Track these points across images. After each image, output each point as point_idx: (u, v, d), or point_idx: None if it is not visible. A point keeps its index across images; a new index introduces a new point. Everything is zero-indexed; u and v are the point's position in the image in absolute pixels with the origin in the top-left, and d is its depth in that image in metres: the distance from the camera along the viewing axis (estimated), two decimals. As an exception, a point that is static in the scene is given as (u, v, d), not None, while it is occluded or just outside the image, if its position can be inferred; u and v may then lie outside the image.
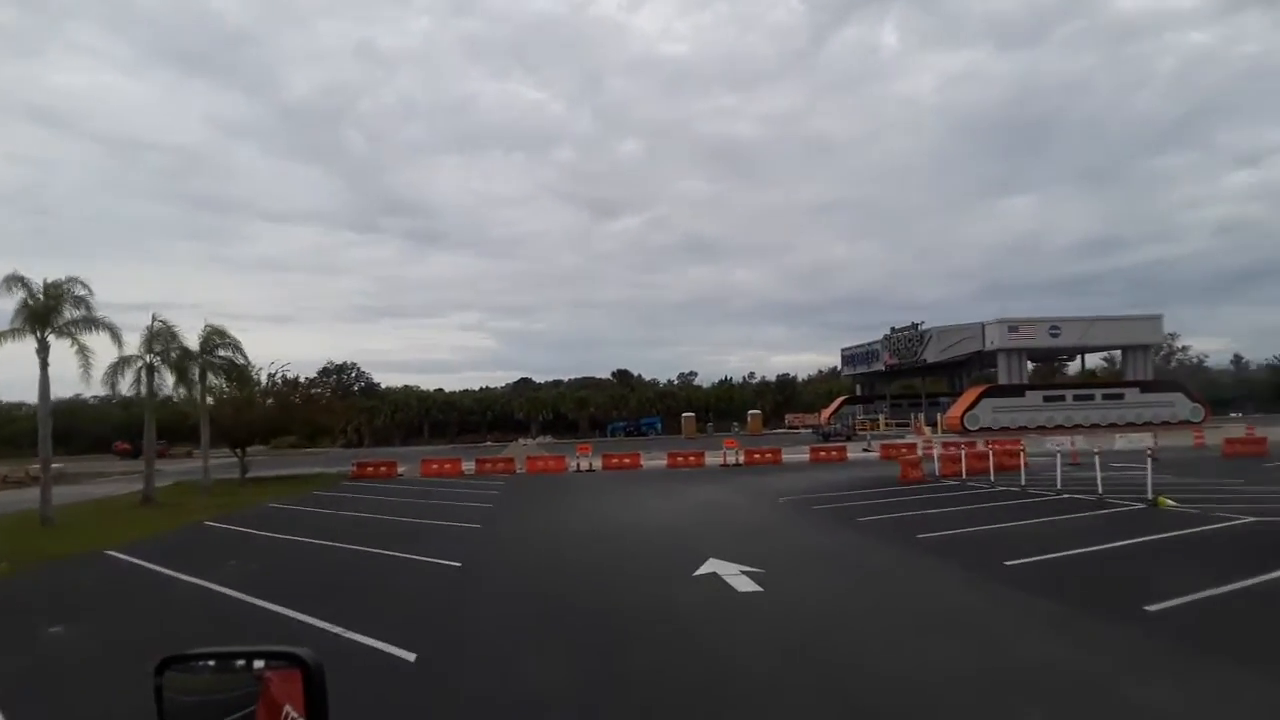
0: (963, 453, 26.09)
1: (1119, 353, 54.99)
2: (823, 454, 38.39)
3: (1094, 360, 66.57)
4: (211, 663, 1.67)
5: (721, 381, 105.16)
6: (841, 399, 74.82)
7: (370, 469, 36.93)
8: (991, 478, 24.16)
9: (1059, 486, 20.75)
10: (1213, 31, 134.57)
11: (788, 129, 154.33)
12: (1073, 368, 72.26)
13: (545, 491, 27.89)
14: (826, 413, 74.13)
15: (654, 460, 40.51)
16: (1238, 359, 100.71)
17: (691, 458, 37.78)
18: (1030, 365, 57.28)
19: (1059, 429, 50.88)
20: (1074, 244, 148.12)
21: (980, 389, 52.95)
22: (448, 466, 37.28)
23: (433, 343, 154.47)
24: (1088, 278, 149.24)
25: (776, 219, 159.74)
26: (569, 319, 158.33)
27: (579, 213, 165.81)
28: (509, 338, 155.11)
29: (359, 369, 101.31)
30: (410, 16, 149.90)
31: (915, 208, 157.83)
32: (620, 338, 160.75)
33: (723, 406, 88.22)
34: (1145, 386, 52.50)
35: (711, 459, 38.03)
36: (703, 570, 11.70)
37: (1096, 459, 19.89)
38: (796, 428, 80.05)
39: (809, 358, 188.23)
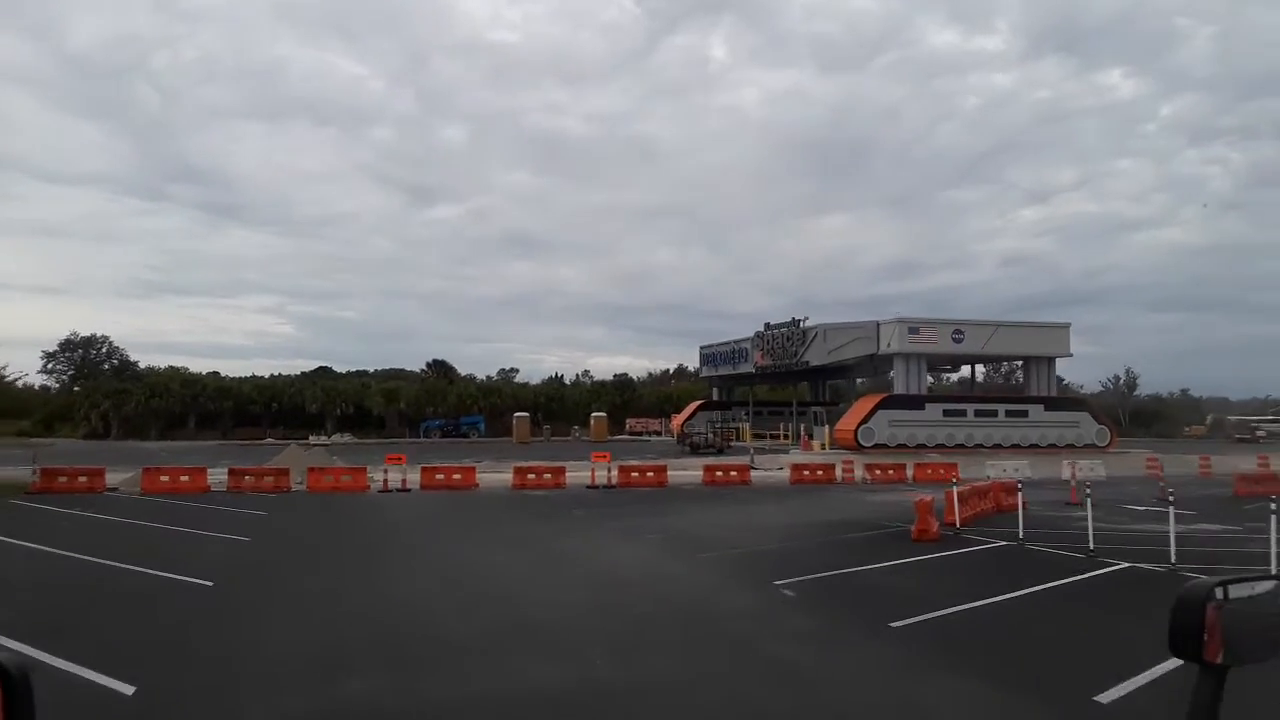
0: (955, 491, 17.12)
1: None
2: (719, 474, 29.09)
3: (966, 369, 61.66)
4: None
5: (551, 379, 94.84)
6: (697, 404, 66.27)
7: (63, 480, 24.10)
8: (1021, 533, 15.40)
9: (1092, 546, 13.74)
10: (1013, 74, 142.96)
11: (616, 129, 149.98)
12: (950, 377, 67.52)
13: (328, 536, 16.99)
14: (680, 419, 65.39)
15: (493, 474, 30.08)
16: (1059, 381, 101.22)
17: (547, 474, 27.54)
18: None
19: (959, 447, 44.31)
20: (879, 265, 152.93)
21: (876, 398, 45.76)
22: (186, 479, 24.96)
23: (224, 325, 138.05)
24: (890, 298, 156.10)
25: (601, 219, 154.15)
26: (379, 308, 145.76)
27: (395, 197, 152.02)
28: (312, 324, 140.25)
29: (110, 344, 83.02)
30: None
31: (735, 218, 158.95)
32: (434, 331, 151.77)
33: (553, 407, 77.88)
34: (1049, 404, 47.08)
35: (573, 476, 27.93)
36: None
37: (1171, 509, 13.03)
38: (640, 434, 71.18)
39: (625, 360, 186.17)
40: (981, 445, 44.83)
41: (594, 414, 67.21)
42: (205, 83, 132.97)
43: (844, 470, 30.09)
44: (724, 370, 62.21)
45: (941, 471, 30.71)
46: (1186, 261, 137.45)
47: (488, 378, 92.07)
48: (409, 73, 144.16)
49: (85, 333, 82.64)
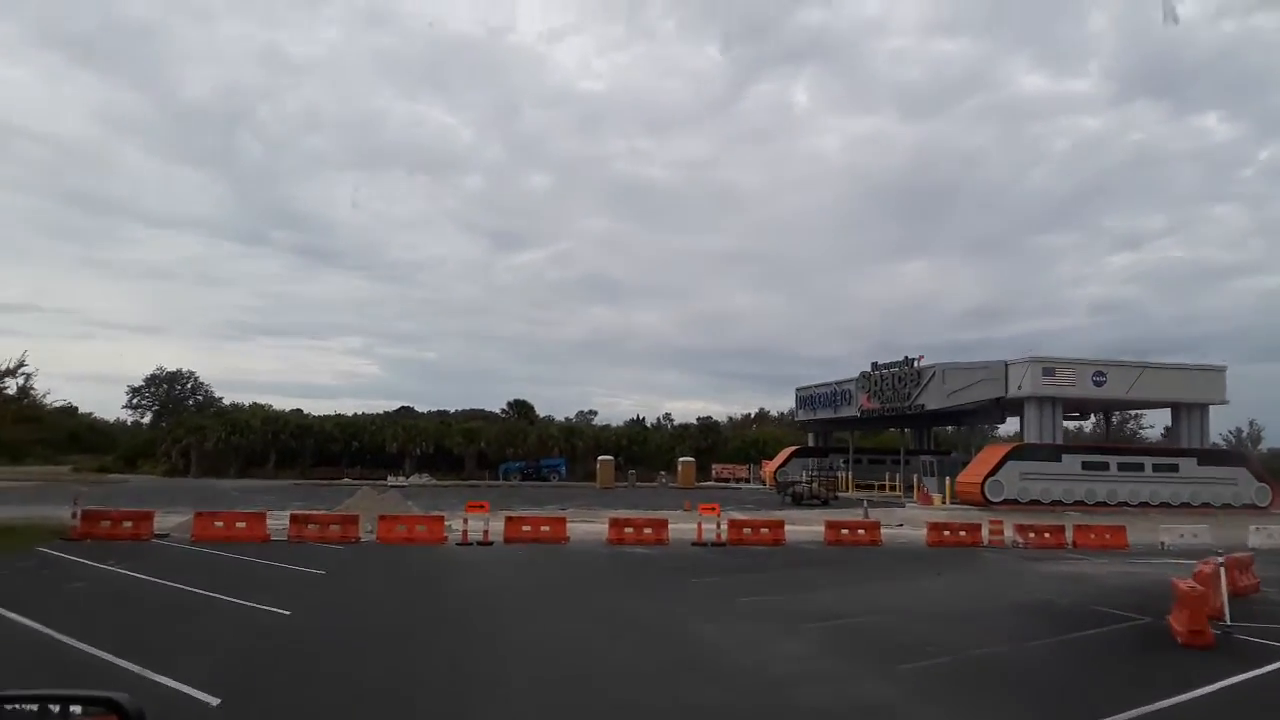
0: (1219, 565, 12.71)
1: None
2: (844, 532, 24.95)
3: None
4: (25, 706, 1.64)
5: (633, 421, 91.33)
6: (791, 449, 61.79)
7: (106, 524, 21.47)
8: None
9: None
10: (1105, 118, 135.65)
11: (697, 175, 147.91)
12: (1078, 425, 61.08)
13: (389, 611, 13.42)
14: (772, 465, 61.08)
15: (583, 524, 26.63)
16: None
17: (647, 529, 23.84)
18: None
19: (1100, 505, 39.08)
20: (961, 311, 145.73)
21: (1004, 448, 40.89)
22: (242, 526, 22.08)
23: (314, 366, 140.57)
24: (972, 345, 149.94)
25: (680, 263, 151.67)
26: (461, 350, 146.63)
27: (480, 242, 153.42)
28: (396, 365, 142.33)
29: (195, 379, 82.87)
30: (320, 25, 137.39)
31: (814, 263, 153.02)
32: (514, 373, 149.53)
33: (635, 450, 74.11)
34: (1203, 457, 41.35)
35: (676, 529, 24.21)
36: None
37: None
38: (727, 480, 66.92)
39: (700, 404, 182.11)
40: (1126, 503, 39.50)
41: (681, 459, 63.17)
42: (306, 131, 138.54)
43: (991, 532, 25.63)
44: (823, 414, 57.49)
45: (1108, 536, 26.20)
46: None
47: (566, 419, 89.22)
48: (499, 122, 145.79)
49: (183, 371, 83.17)
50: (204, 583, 14.18)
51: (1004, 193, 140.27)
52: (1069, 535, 25.68)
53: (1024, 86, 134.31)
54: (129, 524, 21.59)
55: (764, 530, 24.40)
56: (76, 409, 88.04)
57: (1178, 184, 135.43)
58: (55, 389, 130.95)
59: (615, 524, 23.84)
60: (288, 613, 12.04)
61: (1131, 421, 71.85)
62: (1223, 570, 12.47)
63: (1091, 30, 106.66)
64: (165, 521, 23.30)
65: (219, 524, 22.07)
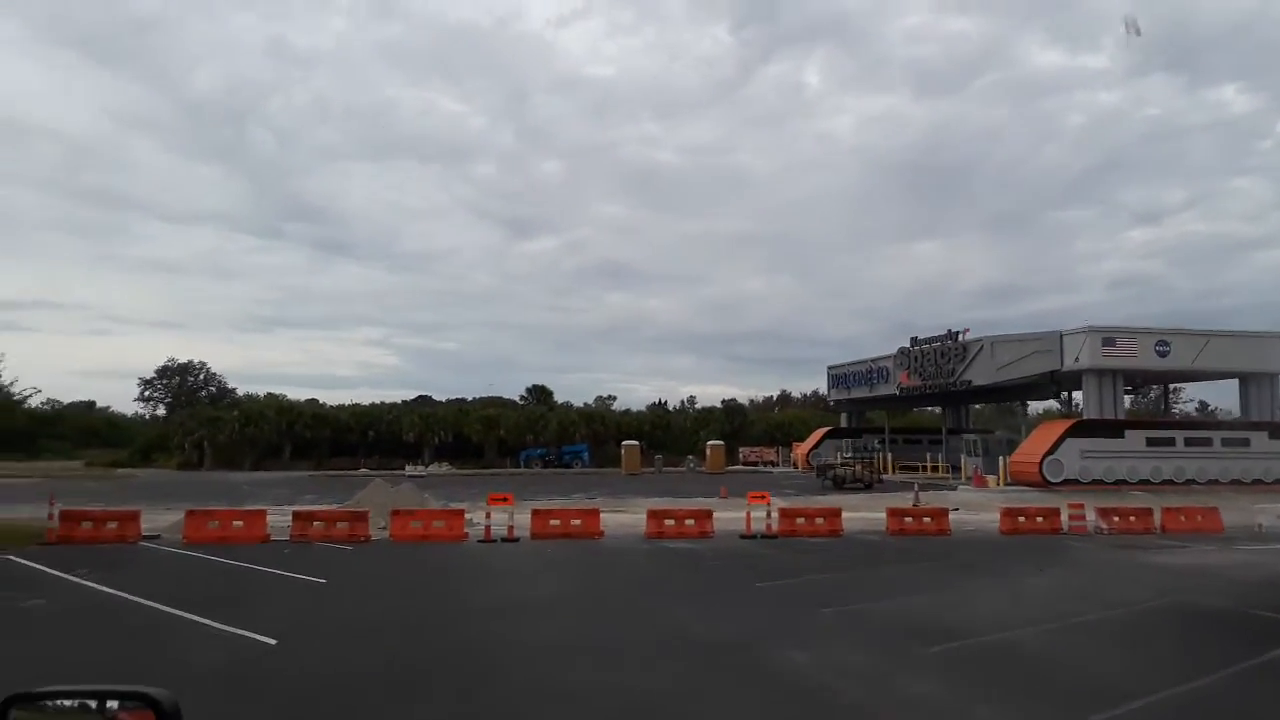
0: None
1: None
2: (908, 520, 22.42)
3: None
4: (62, 701, 1.66)
5: (655, 405, 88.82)
6: (823, 430, 59.11)
7: (88, 525, 19.23)
8: None
9: None
10: (1120, 93, 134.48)
11: (708, 159, 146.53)
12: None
13: (397, 634, 11.00)
14: (804, 448, 58.45)
15: (615, 515, 24.41)
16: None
17: (689, 520, 21.39)
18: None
19: (1167, 483, 36.23)
20: (977, 289, 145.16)
21: (1063, 424, 37.79)
22: (239, 525, 19.79)
23: (333, 357, 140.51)
24: (989, 323, 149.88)
25: (692, 248, 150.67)
26: (479, 338, 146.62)
27: (495, 231, 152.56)
28: (415, 355, 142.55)
29: (207, 370, 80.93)
30: (327, 16, 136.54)
31: (828, 245, 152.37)
32: (530, 361, 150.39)
33: (659, 435, 71.58)
34: (1275, 431, 38.32)
35: (721, 519, 21.83)
36: None
37: None
38: (755, 464, 64.42)
39: (717, 389, 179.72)
40: (1194, 481, 36.57)
41: (710, 443, 60.50)
42: (317, 124, 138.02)
43: (1071, 516, 23.01)
44: (859, 393, 54.56)
45: (1200, 519, 23.55)
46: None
47: (585, 405, 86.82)
48: (509, 109, 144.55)
49: (195, 362, 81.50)
50: (181, 598, 11.82)
51: (1019, 170, 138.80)
52: (1157, 519, 23.03)
53: (1039, 63, 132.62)
54: (113, 525, 19.30)
55: (819, 520, 21.87)
56: (94, 403, 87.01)
57: (1196, 157, 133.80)
58: (72, 386, 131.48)
59: (654, 515, 21.38)
60: (273, 641, 9.64)
61: (1173, 395, 68.51)
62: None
63: (1106, 4, 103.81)
64: (158, 520, 21.04)
65: (213, 524, 19.76)
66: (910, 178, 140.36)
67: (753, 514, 21.66)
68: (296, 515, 20.66)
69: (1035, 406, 65.66)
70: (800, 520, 21.75)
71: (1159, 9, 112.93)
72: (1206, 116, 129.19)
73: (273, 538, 19.44)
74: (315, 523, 20.16)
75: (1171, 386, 51.68)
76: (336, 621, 11.19)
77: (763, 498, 22.18)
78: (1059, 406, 63.43)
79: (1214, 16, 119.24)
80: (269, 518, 20.91)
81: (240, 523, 19.92)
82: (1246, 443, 37.84)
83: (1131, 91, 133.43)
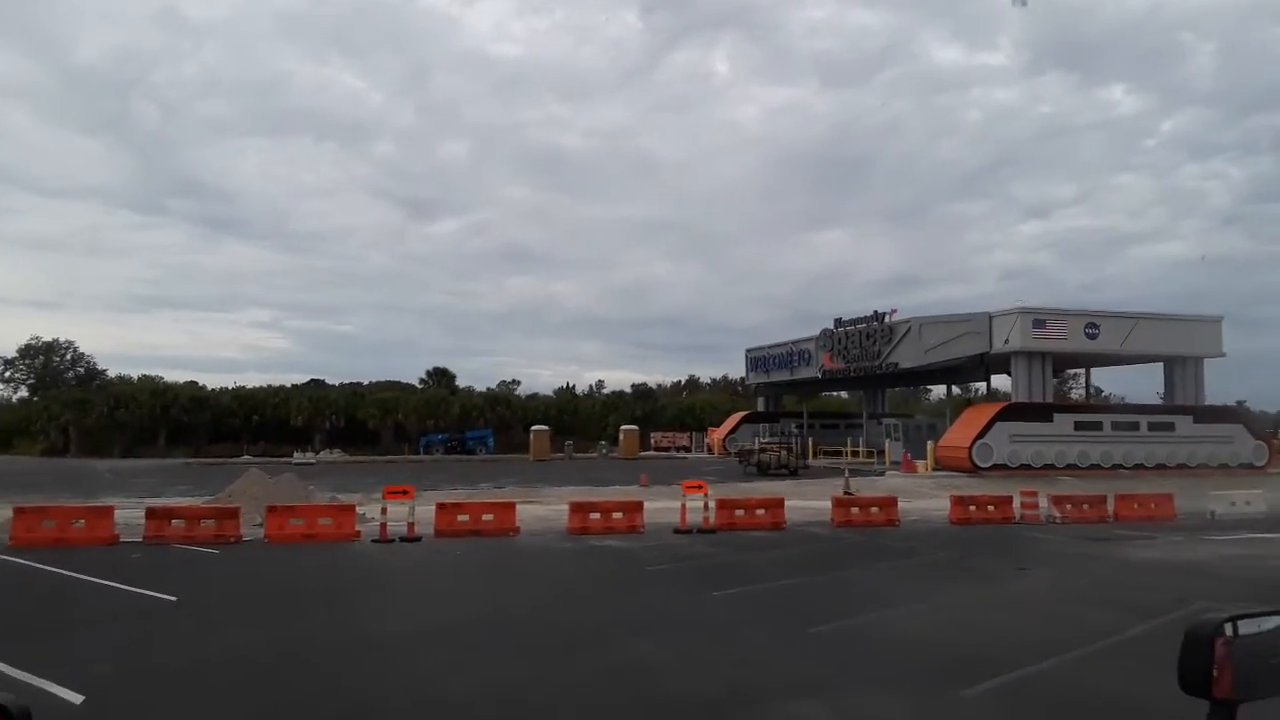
0: None
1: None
2: (854, 511, 20.42)
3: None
4: None
5: (563, 389, 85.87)
6: (740, 415, 57.44)
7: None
8: None
9: None
10: (1016, 90, 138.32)
11: (616, 144, 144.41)
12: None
13: (277, 682, 8.28)
14: (719, 433, 56.72)
15: (531, 508, 21.75)
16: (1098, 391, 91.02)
17: (616, 513, 18.81)
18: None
19: (1094, 468, 35.65)
20: (879, 279, 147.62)
21: (992, 408, 36.78)
22: (81, 525, 16.30)
23: (219, 340, 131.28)
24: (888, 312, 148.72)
25: (599, 233, 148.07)
26: (377, 322, 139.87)
27: (394, 211, 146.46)
28: (307, 338, 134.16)
29: (75, 350, 73.92)
30: None
31: (734, 233, 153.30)
32: (432, 345, 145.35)
33: (566, 420, 68.76)
34: (1199, 415, 38.17)
35: (654, 511, 19.45)
36: None
37: None
38: (667, 449, 62.27)
39: (624, 374, 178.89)
40: (1121, 465, 36.21)
41: (624, 428, 57.93)
42: (206, 97, 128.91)
43: (1024, 505, 21.38)
44: (778, 376, 52.93)
45: (1153, 507, 22.52)
46: (1184, 274, 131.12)
47: (489, 389, 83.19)
48: (410, 87, 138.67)
49: (61, 341, 74.30)
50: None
51: (918, 162, 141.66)
52: (1110, 506, 21.64)
53: (939, 59, 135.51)
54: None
55: (760, 511, 19.64)
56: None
57: (1085, 154, 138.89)
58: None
59: (577, 509, 18.75)
60: (77, 700, 6.59)
61: (1069, 382, 69.33)
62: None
63: (1004, 3, 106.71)
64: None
65: (48, 523, 16.27)
66: (815, 168, 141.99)
67: (688, 504, 19.18)
68: (151, 513, 17.18)
69: (938, 391, 65.77)
70: (739, 512, 19.48)
71: (1057, 9, 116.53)
72: (1096, 115, 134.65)
73: (123, 539, 16.21)
74: (174, 521, 16.85)
75: (1069, 372, 51.89)
76: (179, 663, 8.23)
77: (699, 487, 19.80)
78: (959, 391, 63.75)
79: (1105, 18, 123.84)
80: (121, 515, 17.56)
81: (82, 522, 16.47)
82: (1171, 427, 37.66)
83: (1027, 89, 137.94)
